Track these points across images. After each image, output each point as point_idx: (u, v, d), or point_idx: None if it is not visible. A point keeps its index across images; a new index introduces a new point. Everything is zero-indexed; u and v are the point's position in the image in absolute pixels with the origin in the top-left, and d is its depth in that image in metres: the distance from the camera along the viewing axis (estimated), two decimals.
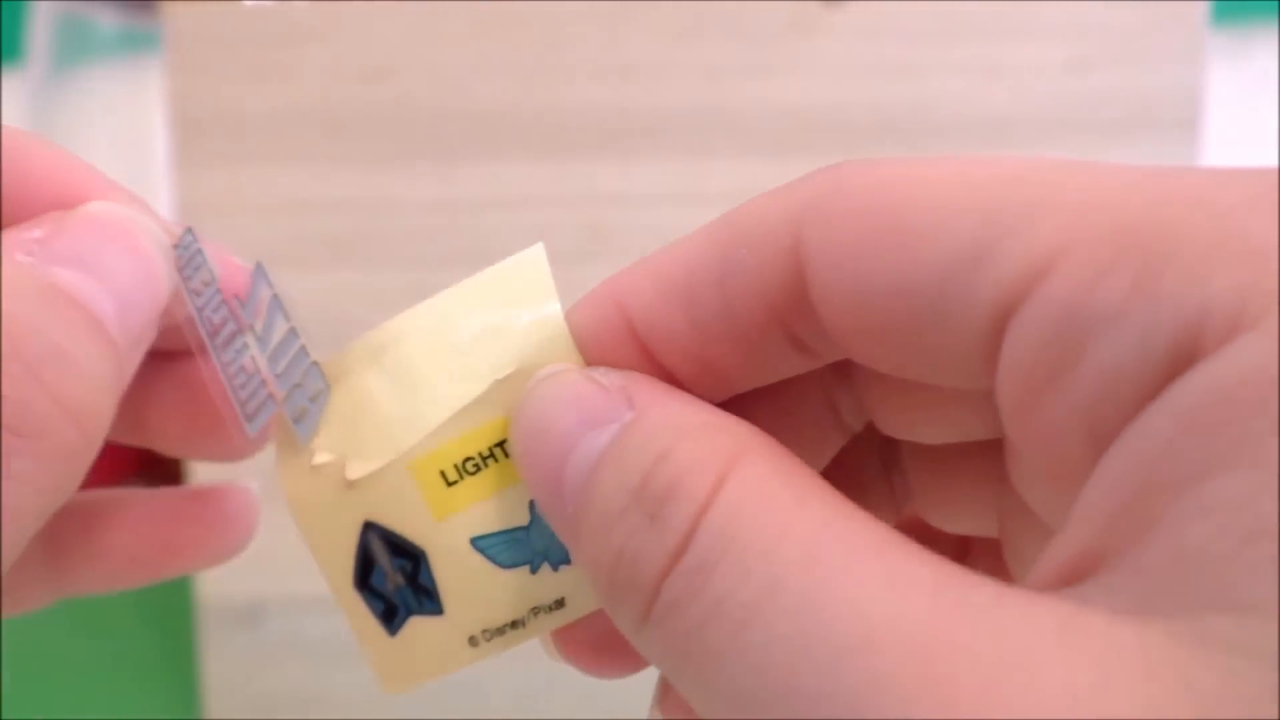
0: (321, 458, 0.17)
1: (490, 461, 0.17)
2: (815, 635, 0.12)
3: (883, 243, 0.14)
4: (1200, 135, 0.39)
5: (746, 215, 0.15)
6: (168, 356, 0.19)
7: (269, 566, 0.42)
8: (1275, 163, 0.16)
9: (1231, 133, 0.48)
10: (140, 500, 0.20)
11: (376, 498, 0.16)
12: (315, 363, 0.17)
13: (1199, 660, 0.11)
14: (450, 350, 0.17)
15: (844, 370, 0.17)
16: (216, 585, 0.42)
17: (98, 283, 0.16)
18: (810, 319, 0.15)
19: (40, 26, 0.70)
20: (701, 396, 0.16)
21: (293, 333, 0.17)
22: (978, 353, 0.13)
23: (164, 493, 0.21)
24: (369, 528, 0.17)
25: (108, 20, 0.71)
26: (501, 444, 0.17)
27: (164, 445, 0.20)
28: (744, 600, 0.12)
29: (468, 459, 0.17)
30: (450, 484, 0.17)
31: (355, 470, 0.16)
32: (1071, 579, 0.12)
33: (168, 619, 0.55)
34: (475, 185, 0.40)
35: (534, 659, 0.47)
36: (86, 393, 0.15)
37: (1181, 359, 0.12)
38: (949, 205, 0.13)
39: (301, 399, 0.17)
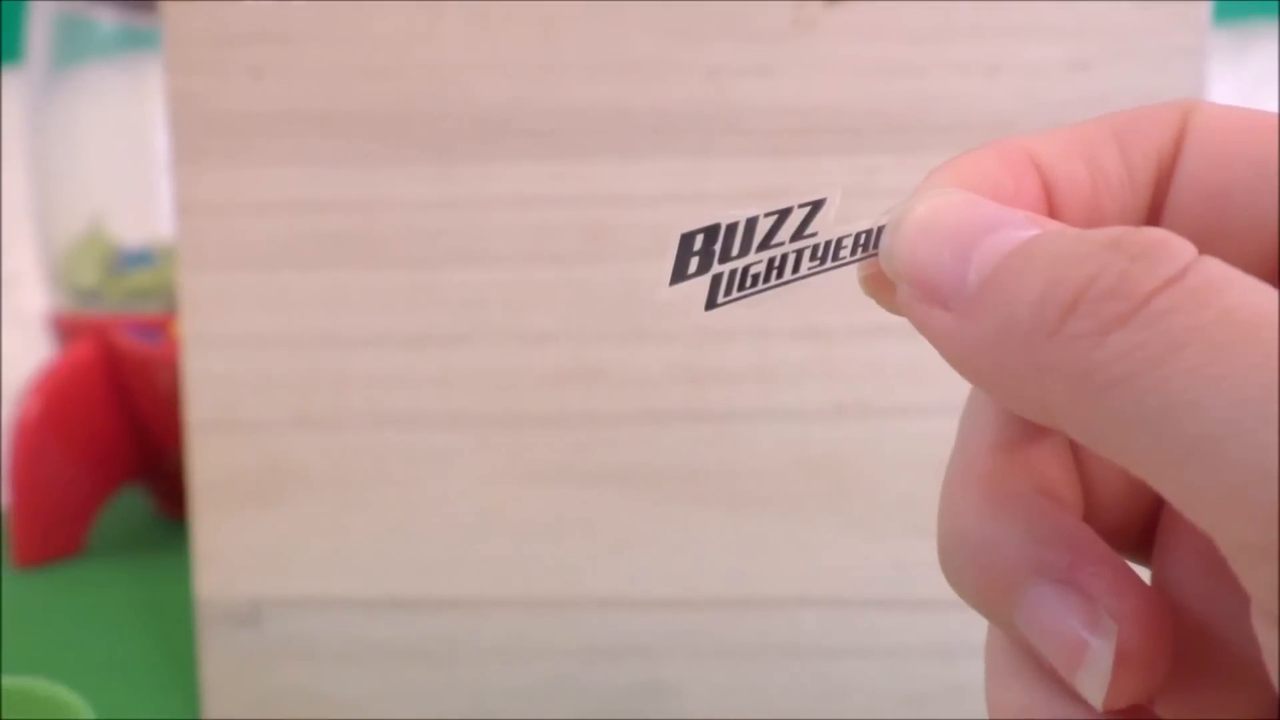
0: None
1: None
2: None
3: (1258, 125, 0.18)
4: None
5: (1133, 109, 0.20)
6: None
7: (269, 566, 0.42)
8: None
9: None
10: None
11: None
12: None
13: None
14: None
15: None
16: (216, 585, 0.42)
17: None
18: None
19: (40, 25, 0.70)
20: None
21: None
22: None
23: None
24: None
25: (107, 19, 0.71)
26: None
27: None
28: (1264, 310, 0.14)
29: None
30: None
31: None
32: None
33: (168, 619, 0.55)
34: (475, 185, 0.40)
35: (535, 658, 0.46)
36: None
37: None
38: None
39: None
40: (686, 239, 0.19)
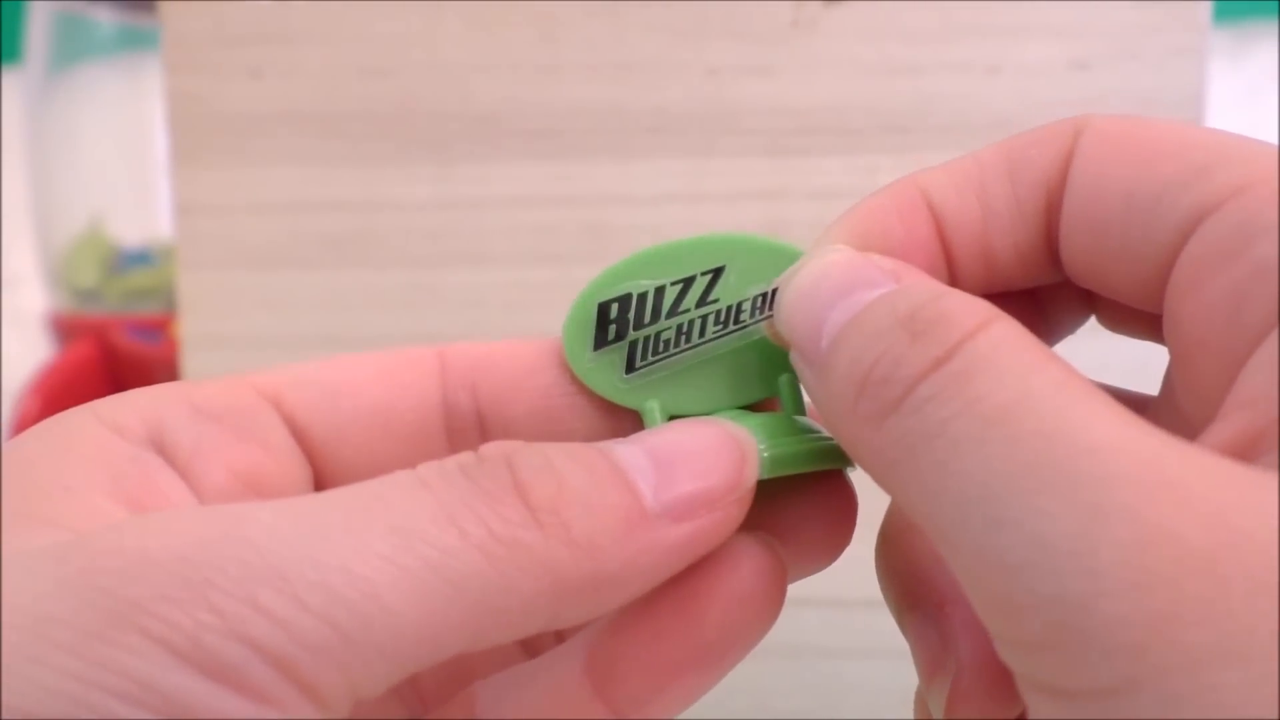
0: None
1: None
2: (1060, 440, 0.14)
3: (1133, 152, 0.18)
4: None
5: (1032, 131, 0.20)
6: None
7: None
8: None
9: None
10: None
11: None
12: None
13: None
14: None
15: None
16: None
17: None
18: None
19: (39, 25, 0.70)
20: (969, 289, 0.18)
21: None
22: (1165, 254, 0.18)
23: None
24: None
25: (106, 19, 0.71)
26: None
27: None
28: (999, 402, 0.15)
29: None
30: None
31: None
32: (1241, 457, 0.15)
33: None
34: (475, 185, 0.40)
35: None
36: None
37: None
38: (1182, 144, 0.18)
39: None
40: (603, 308, 0.20)
